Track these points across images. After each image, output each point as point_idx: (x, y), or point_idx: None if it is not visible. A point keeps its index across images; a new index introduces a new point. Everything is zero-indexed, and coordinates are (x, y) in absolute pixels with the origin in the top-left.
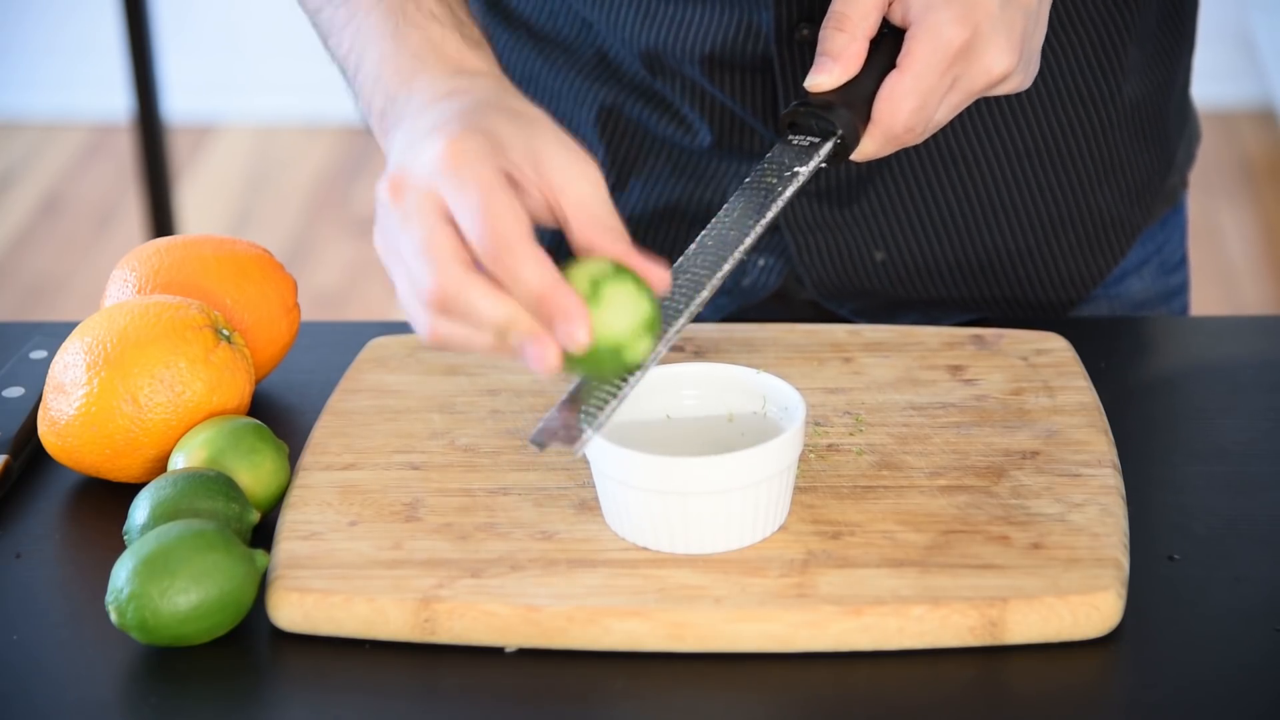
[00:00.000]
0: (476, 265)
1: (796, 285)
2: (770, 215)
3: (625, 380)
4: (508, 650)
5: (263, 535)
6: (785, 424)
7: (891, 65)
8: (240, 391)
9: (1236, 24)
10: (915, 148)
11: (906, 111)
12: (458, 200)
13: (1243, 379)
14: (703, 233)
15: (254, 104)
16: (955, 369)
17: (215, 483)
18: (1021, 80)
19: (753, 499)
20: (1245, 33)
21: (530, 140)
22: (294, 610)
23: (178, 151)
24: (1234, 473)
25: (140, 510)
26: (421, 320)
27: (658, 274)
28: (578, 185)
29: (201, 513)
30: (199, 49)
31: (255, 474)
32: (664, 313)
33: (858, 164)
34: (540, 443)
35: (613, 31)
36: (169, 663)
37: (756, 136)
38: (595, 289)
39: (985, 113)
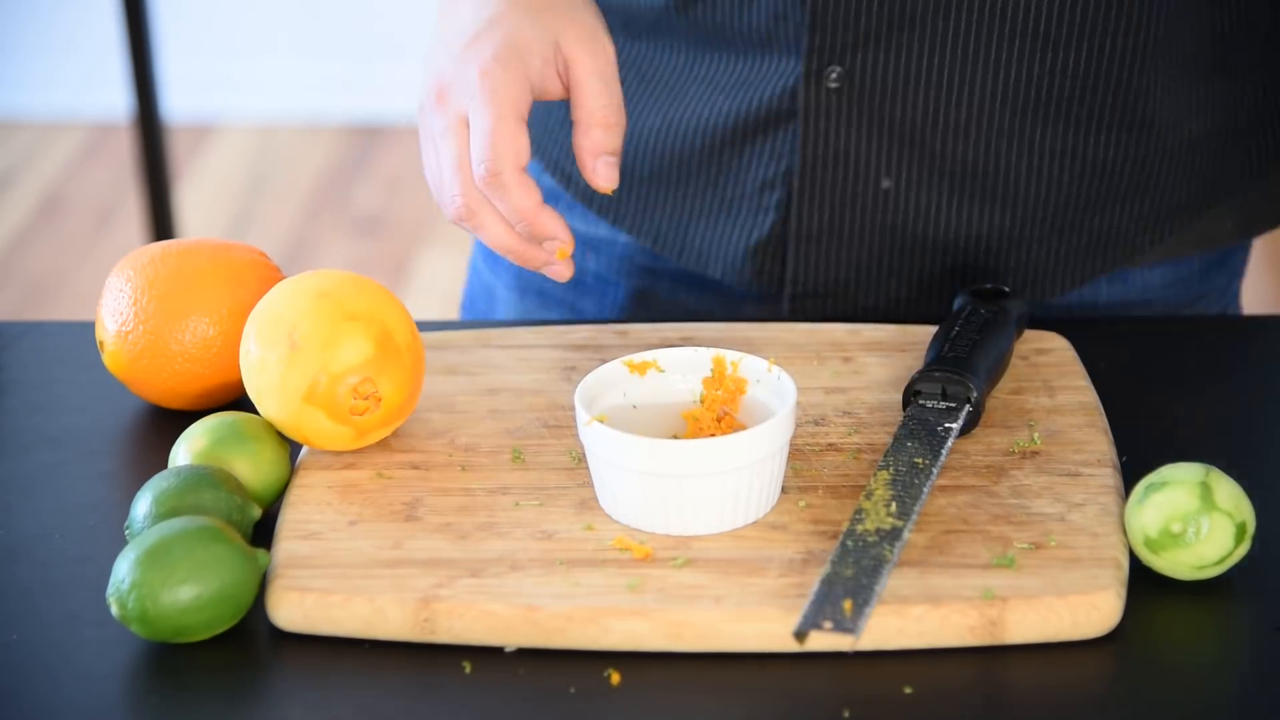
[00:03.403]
0: None
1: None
2: (943, 456)
3: (889, 556)
4: (508, 650)
5: (263, 534)
6: (777, 407)
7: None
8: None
9: None
10: (945, 94)
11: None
12: (474, 124)
13: (1243, 378)
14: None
15: (254, 104)
16: None
17: (217, 477)
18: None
19: (746, 481)
20: None
21: (553, 37)
22: (294, 610)
23: (177, 151)
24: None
25: (142, 504)
26: (447, 207)
27: (602, 183)
28: (589, 80)
29: (204, 506)
30: (199, 49)
31: (255, 465)
32: (878, 562)
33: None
34: (803, 633)
35: None
36: (169, 662)
37: None
38: None
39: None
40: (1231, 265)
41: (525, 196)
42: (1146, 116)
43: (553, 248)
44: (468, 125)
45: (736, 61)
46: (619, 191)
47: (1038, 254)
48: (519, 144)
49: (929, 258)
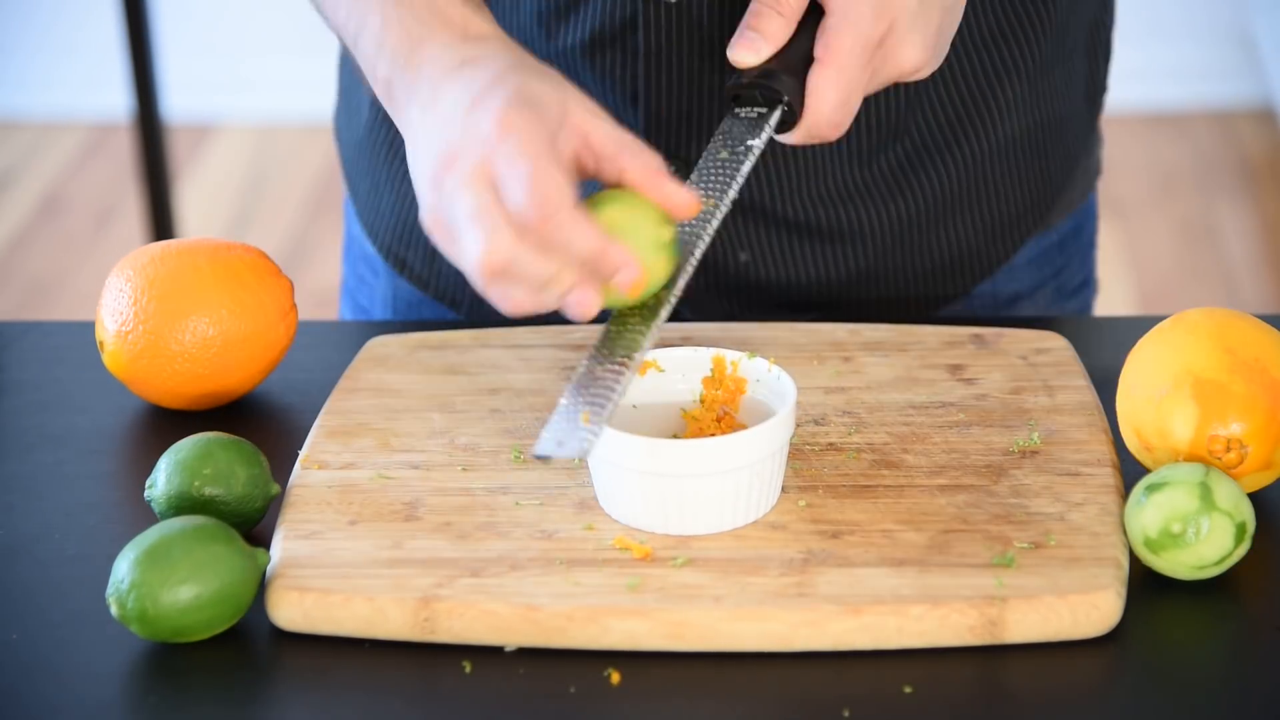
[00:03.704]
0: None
1: None
2: (732, 194)
3: (620, 371)
4: (508, 650)
5: (263, 534)
6: (777, 407)
7: (808, 37)
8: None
9: (1236, 24)
10: (783, 160)
11: (832, 105)
12: (509, 171)
13: None
14: None
15: (254, 104)
16: (955, 368)
17: (242, 447)
18: (930, 69)
19: (746, 481)
20: (1245, 33)
21: (559, 95)
22: (293, 609)
23: (177, 151)
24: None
25: (164, 464)
26: (486, 289)
27: (684, 197)
28: (604, 124)
29: (223, 472)
30: (199, 49)
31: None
32: (634, 320)
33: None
34: (545, 455)
35: None
36: (169, 662)
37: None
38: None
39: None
40: (1086, 230)
41: (589, 232)
42: (974, 123)
43: (622, 281)
44: (487, 177)
45: None
46: None
47: (896, 282)
48: (561, 178)
49: (787, 308)
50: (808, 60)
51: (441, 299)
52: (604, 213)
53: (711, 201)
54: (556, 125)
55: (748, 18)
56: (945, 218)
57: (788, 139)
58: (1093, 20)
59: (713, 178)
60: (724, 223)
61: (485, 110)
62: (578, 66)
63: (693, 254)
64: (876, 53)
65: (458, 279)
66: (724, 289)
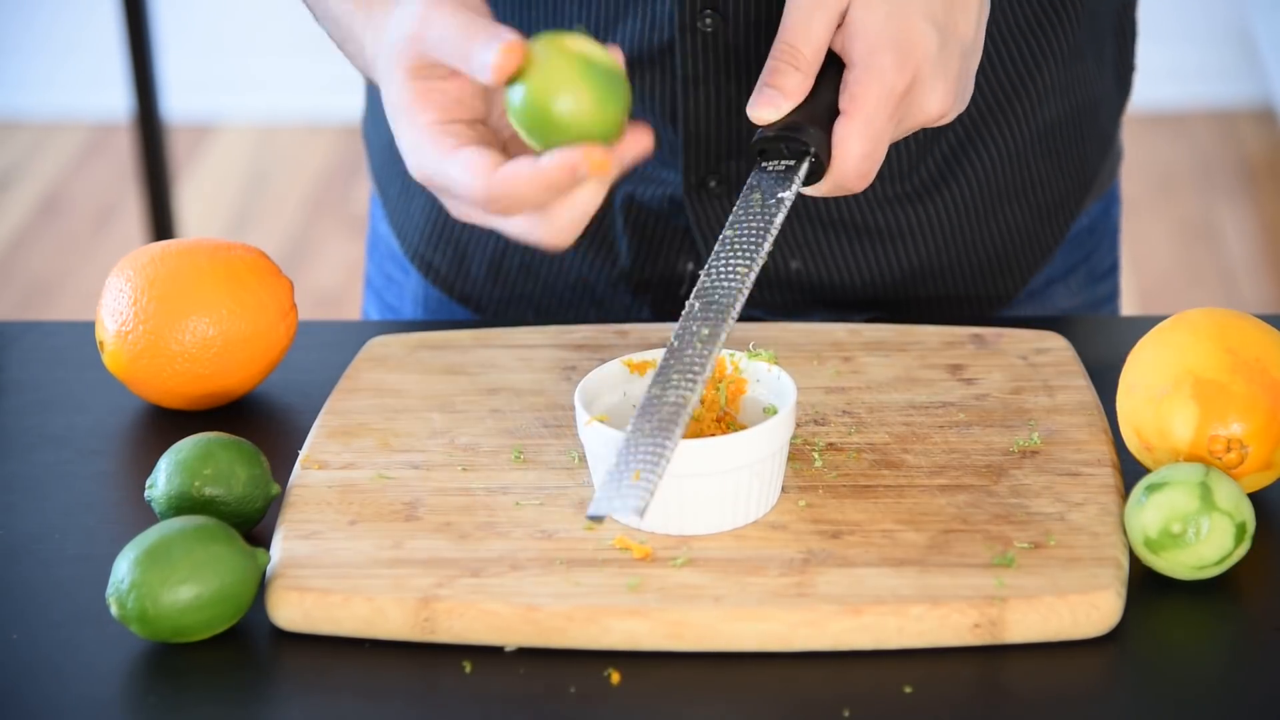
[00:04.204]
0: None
1: None
2: (766, 248)
3: (665, 444)
4: (508, 650)
5: (262, 535)
6: (777, 406)
7: (831, 88)
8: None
9: (1236, 24)
10: None
11: (858, 157)
12: (444, 184)
13: None
14: (700, 279)
15: (254, 104)
16: (955, 368)
17: (242, 447)
18: (954, 115)
19: (746, 481)
20: (1245, 33)
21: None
22: (293, 609)
23: (177, 151)
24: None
25: (165, 464)
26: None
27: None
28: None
29: (223, 473)
30: (199, 49)
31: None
32: (677, 378)
33: None
34: (599, 516)
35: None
36: (169, 662)
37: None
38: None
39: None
40: (1111, 216)
41: (541, 184)
42: (1013, 111)
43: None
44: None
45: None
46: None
47: (951, 279)
48: (487, 163)
49: (846, 307)
50: (832, 111)
51: (467, 303)
52: (533, 90)
53: (745, 261)
54: (455, 91)
55: (765, 75)
56: (993, 209)
57: (814, 191)
58: (1120, 1)
59: (745, 234)
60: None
61: (400, 120)
62: None
63: (732, 310)
64: (901, 103)
65: (484, 284)
66: (779, 296)
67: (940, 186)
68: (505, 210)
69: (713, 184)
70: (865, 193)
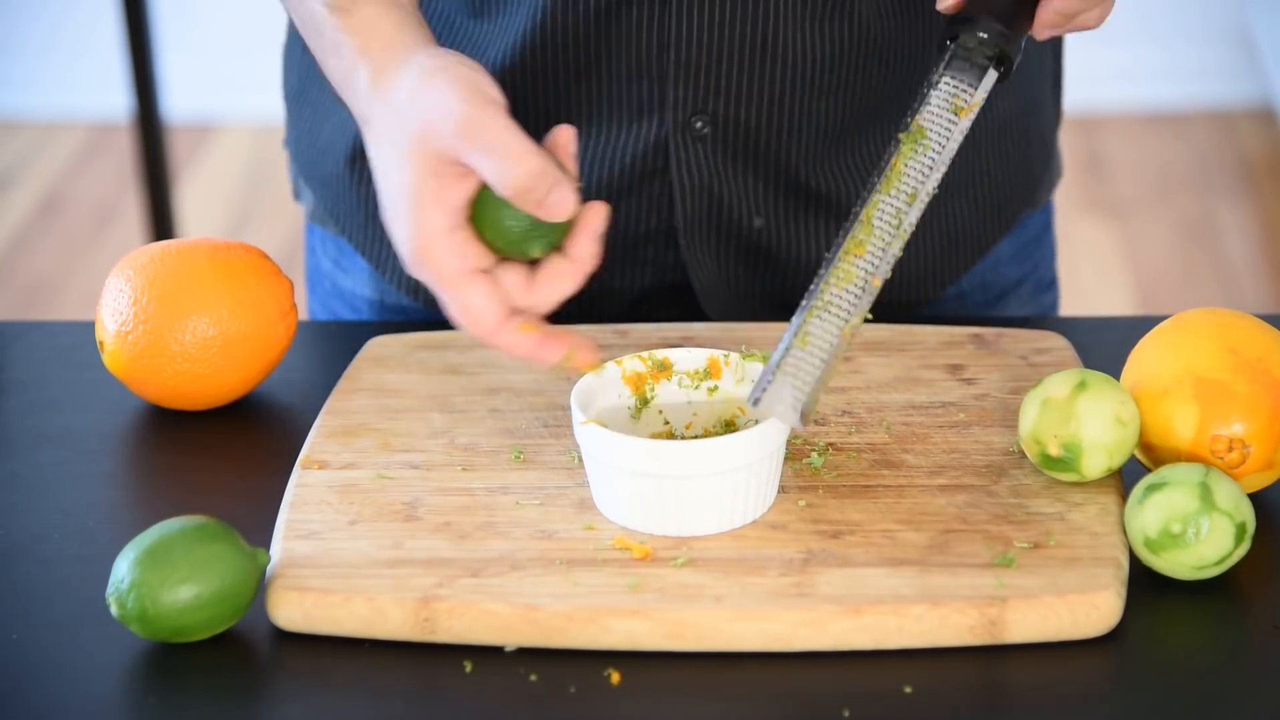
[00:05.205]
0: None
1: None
2: (953, 147)
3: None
4: (508, 650)
5: (262, 535)
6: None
7: None
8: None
9: (1236, 24)
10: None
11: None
12: (442, 298)
13: None
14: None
15: (254, 103)
16: (954, 368)
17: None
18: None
19: (744, 481)
20: (1245, 33)
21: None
22: (293, 609)
23: (177, 151)
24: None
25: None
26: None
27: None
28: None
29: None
30: (199, 49)
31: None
32: (873, 257)
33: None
34: (757, 400)
35: None
36: (169, 661)
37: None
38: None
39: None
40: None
41: (520, 343)
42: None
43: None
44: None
45: (602, 127)
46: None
47: (902, 259)
48: (480, 303)
49: (803, 280)
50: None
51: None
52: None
53: (927, 161)
54: (464, 194)
55: None
56: (944, 199)
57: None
58: None
59: (934, 132)
60: (741, 185)
61: (406, 208)
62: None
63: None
64: None
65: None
66: (738, 253)
67: None
68: (495, 347)
69: (700, 125)
70: (829, 154)
